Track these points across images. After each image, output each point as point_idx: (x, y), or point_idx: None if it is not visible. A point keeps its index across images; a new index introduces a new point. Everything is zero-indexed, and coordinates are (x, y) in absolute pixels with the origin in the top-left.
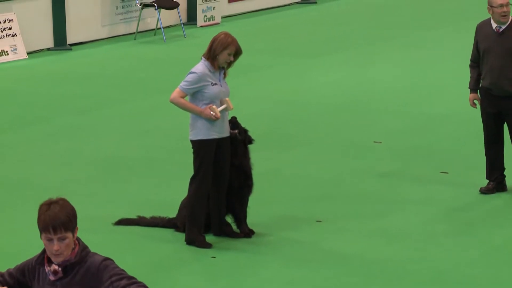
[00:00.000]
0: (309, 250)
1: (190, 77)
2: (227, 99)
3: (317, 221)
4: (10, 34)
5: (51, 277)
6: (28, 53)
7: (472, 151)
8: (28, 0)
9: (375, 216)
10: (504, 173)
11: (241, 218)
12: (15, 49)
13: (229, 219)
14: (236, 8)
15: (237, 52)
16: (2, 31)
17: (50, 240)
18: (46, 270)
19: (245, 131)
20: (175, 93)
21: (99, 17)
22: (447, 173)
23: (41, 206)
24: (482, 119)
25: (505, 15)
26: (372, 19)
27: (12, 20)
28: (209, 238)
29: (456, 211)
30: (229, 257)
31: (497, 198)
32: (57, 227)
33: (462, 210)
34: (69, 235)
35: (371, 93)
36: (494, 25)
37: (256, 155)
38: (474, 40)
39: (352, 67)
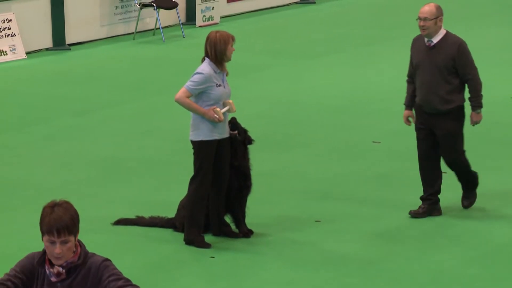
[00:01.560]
0: (308, 251)
1: (196, 78)
2: (230, 101)
3: (316, 221)
4: (9, 34)
5: (53, 279)
6: (27, 53)
7: (470, 151)
8: (27, 0)
9: (374, 217)
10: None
11: (240, 218)
12: (14, 49)
13: (228, 219)
14: (235, 8)
15: (234, 40)
16: (1, 31)
17: (53, 242)
18: (48, 272)
19: (245, 131)
20: (181, 93)
21: (98, 17)
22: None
23: (44, 208)
24: (416, 135)
25: (423, 29)
26: (371, 19)
27: (11, 20)
28: (208, 238)
29: (455, 211)
30: (228, 257)
31: (496, 199)
32: (61, 230)
33: (461, 210)
34: (72, 238)
35: (370, 94)
36: (426, 38)
37: (255, 155)
38: (410, 55)
39: (351, 68)
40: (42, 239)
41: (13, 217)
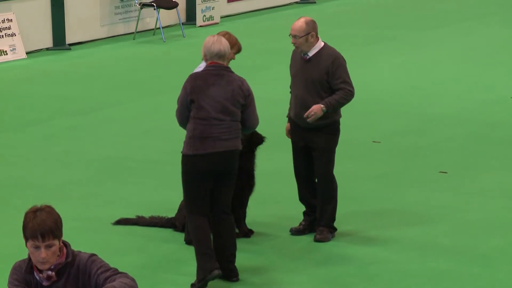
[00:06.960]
0: (309, 251)
1: None
2: None
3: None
4: (9, 34)
5: (45, 283)
6: (27, 53)
7: (471, 151)
8: (27, 0)
9: (374, 216)
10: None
11: (240, 218)
12: (14, 49)
13: None
14: (235, 8)
15: (239, 51)
16: (1, 31)
17: (37, 247)
18: (38, 278)
19: (252, 132)
20: None
21: (98, 17)
22: (446, 172)
23: (27, 214)
24: (292, 152)
25: (295, 46)
26: (371, 19)
27: (11, 20)
28: None
29: (455, 211)
30: None
31: (496, 198)
32: (46, 234)
33: (461, 210)
34: (56, 242)
35: (370, 93)
36: (302, 53)
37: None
38: (290, 66)
39: (351, 68)
40: (26, 245)
41: (13, 217)
